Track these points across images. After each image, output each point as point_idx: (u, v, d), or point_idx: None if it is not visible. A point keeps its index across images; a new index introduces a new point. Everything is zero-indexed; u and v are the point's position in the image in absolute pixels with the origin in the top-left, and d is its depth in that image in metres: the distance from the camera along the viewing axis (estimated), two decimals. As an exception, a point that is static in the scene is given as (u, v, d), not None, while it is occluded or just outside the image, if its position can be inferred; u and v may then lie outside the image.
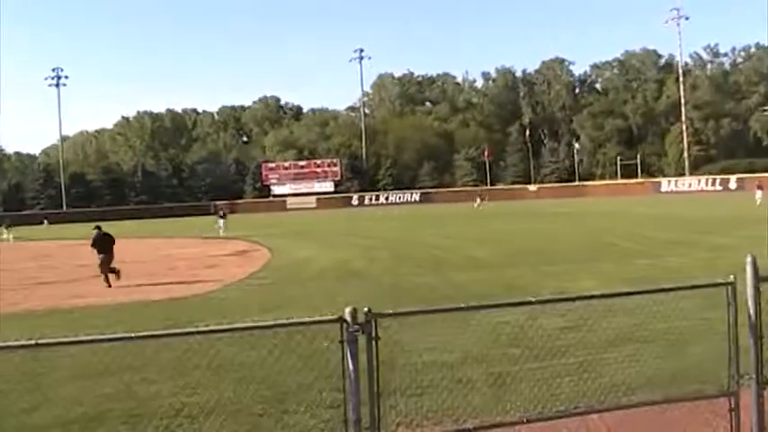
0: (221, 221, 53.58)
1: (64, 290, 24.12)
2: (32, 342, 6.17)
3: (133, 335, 6.35)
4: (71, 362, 10.65)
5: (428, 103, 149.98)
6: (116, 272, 24.86)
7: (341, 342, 5.97)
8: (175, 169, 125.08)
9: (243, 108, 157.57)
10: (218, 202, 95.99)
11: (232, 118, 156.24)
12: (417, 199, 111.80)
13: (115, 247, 25.62)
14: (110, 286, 23.96)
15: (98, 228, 26.30)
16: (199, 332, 6.69)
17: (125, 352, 9.55)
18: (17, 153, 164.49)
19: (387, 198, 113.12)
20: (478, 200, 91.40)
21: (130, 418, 8.66)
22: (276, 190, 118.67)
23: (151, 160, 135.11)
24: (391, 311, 6.36)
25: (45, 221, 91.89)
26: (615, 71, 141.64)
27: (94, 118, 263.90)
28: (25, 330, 15.08)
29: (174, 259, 33.97)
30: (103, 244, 25.30)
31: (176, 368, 10.15)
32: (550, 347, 9.79)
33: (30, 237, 61.60)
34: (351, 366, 5.95)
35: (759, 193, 58.61)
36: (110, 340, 7.06)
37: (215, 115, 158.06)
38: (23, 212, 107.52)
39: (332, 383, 7.58)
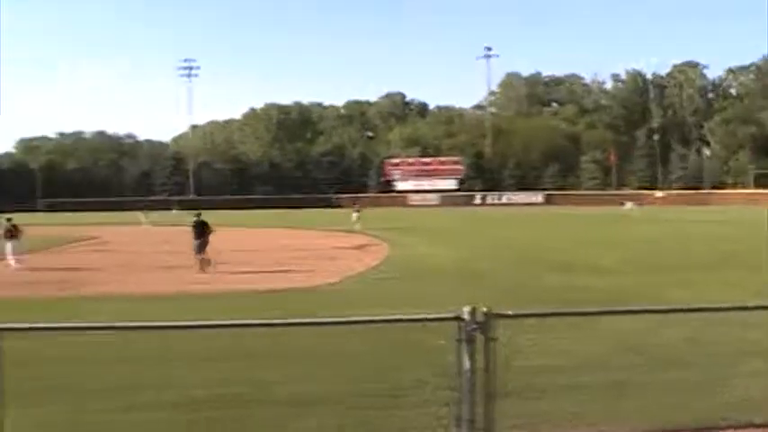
0: (356, 215, 54.56)
1: (187, 274, 25.02)
2: (158, 324, 6.45)
3: (253, 322, 6.54)
4: (193, 345, 11.04)
5: (555, 104, 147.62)
6: (206, 260, 26.28)
7: (458, 340, 5.97)
8: (300, 161, 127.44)
9: (368, 103, 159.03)
10: (354, 196, 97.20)
11: (358, 112, 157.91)
12: (541, 200, 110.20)
13: (239, 236, 26.54)
14: (205, 272, 25.36)
15: (198, 215, 28.30)
16: (317, 323, 6.81)
17: (244, 339, 9.84)
18: (149, 141, 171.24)
19: (510, 198, 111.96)
20: (629, 204, 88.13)
21: (244, 403, 8.89)
22: (399, 186, 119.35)
23: (277, 151, 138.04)
24: (510, 312, 6.31)
25: (173, 208, 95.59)
26: (752, 76, 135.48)
27: (224, 108, 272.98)
28: (151, 313, 15.76)
29: (295, 250, 34.64)
30: (199, 230, 27.06)
31: (293, 357, 10.36)
32: (673, 358, 9.49)
33: (162, 222, 64.15)
34: (467, 365, 5.94)
35: None
36: (231, 326, 7.30)
37: (341, 109, 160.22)
38: (152, 198, 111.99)
39: (447, 382, 7.57)
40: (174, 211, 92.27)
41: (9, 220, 29.88)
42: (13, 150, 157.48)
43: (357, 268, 25.78)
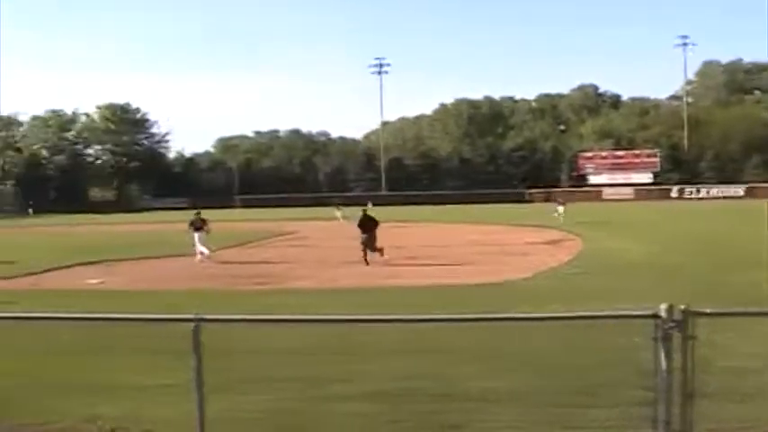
0: (561, 208, 54.26)
1: (379, 269, 25.66)
2: (350, 318, 6.72)
3: (445, 317, 6.68)
4: (384, 339, 11.37)
5: (757, 92, 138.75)
6: (379, 250, 28.44)
7: (654, 339, 5.85)
8: (491, 156, 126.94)
9: (560, 96, 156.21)
10: (551, 190, 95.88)
11: (549, 106, 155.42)
12: (741, 193, 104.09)
13: (429, 231, 26.97)
14: (367, 264, 27.23)
15: (364, 211, 30.90)
16: (510, 318, 6.86)
17: (437, 333, 10.03)
18: (341, 137, 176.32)
19: (708, 192, 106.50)
20: None
21: (437, 398, 9.04)
22: (592, 179, 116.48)
23: (468, 146, 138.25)
24: (710, 310, 6.10)
25: (370, 203, 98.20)
26: None
27: (414, 105, 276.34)
28: (343, 307, 16.31)
29: (486, 245, 34.68)
30: (366, 225, 29.17)
31: (485, 352, 10.45)
32: None
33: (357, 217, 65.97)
34: (663, 365, 5.81)
35: None
36: (422, 320, 7.49)
37: (532, 103, 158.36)
38: (346, 194, 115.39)
39: (642, 381, 7.41)
40: (369, 206, 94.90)
41: (198, 213, 32.44)
42: (212, 150, 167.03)
43: (549, 263, 25.52)
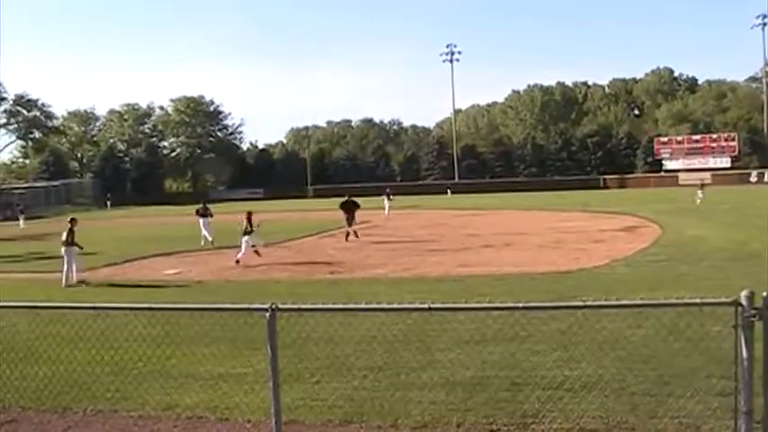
0: (699, 192, 53.91)
1: (453, 258, 25.66)
2: (425, 306, 6.75)
3: (520, 305, 6.66)
4: (459, 327, 11.40)
5: None
6: (354, 233, 34.02)
7: (734, 327, 5.74)
8: (565, 142, 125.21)
9: (635, 80, 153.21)
10: (700, 174, 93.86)
11: (623, 90, 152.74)
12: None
13: (503, 219, 26.91)
14: (347, 240, 33.11)
15: (349, 196, 36.98)
16: (585, 306, 6.79)
17: (511, 321, 10.01)
18: (413, 126, 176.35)
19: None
20: None
21: (512, 386, 9.03)
22: (668, 165, 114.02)
23: (541, 133, 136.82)
24: (793, 298, 5.95)
25: (449, 191, 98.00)
26: None
27: (486, 92, 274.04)
28: (417, 294, 16.37)
29: (562, 232, 34.36)
30: (348, 207, 35.14)
31: (561, 341, 10.41)
32: None
33: (420, 205, 66.00)
34: (744, 353, 5.70)
35: None
36: (497, 309, 7.48)
37: (606, 88, 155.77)
38: (420, 183, 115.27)
39: (722, 370, 7.30)
40: (448, 195, 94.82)
41: (204, 203, 36.16)
42: (285, 140, 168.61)
43: (625, 251, 25.14)
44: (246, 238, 27.07)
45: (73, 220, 23.75)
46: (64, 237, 22.93)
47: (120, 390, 9.43)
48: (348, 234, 34.17)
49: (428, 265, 23.85)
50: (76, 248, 22.68)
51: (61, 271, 22.15)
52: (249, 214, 28.05)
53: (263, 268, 24.48)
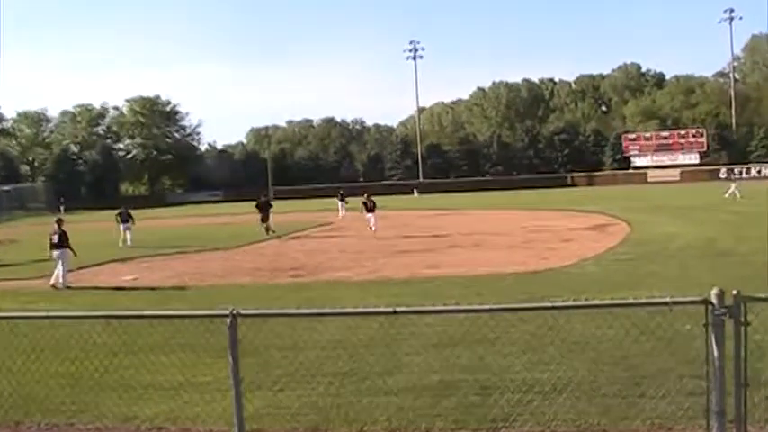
0: (733, 186, 54.44)
1: (420, 259, 25.71)
2: (391, 310, 6.74)
3: (488, 306, 6.68)
4: (426, 330, 11.41)
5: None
6: (267, 230, 38.74)
7: (705, 326, 5.80)
8: (532, 140, 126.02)
9: (602, 76, 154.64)
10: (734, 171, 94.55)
11: (590, 87, 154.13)
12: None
13: (471, 219, 26.98)
14: (267, 234, 37.84)
15: (264, 195, 44.27)
16: (555, 307, 6.84)
17: (479, 323, 10.05)
18: (376, 125, 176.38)
19: (759, 171, 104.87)
20: None
21: (482, 390, 9.05)
22: (637, 162, 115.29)
23: (507, 131, 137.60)
24: (763, 295, 6.04)
25: (415, 191, 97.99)
26: None
27: (450, 89, 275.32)
28: (383, 298, 16.38)
29: (532, 232, 34.58)
30: (263, 207, 40.39)
31: (530, 343, 10.45)
32: None
33: (385, 206, 66.06)
34: (715, 353, 5.76)
35: None
36: (465, 311, 7.50)
37: (572, 84, 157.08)
38: (384, 182, 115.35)
39: (693, 370, 7.37)
40: (415, 195, 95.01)
41: (125, 207, 38.51)
42: (245, 141, 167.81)
43: (594, 249, 25.37)
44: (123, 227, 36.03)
45: (60, 221, 24.21)
46: (56, 239, 23.10)
47: (76, 402, 9.30)
48: (268, 229, 38.92)
49: (394, 267, 23.87)
50: (71, 252, 23.09)
51: (50, 274, 22.68)
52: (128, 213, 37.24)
53: (223, 273, 24.35)
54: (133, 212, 38.78)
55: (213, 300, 17.62)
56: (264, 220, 39.95)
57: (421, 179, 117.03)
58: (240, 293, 19.19)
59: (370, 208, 39.20)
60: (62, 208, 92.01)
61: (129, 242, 36.18)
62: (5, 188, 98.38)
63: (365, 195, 40.80)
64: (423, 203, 70.89)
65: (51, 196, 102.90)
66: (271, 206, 41.41)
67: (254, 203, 41.87)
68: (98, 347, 9.62)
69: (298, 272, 23.75)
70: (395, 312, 6.73)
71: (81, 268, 26.94)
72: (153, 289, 21.04)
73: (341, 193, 55.97)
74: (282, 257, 28.65)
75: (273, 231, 38.83)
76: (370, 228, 38.08)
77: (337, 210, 53.36)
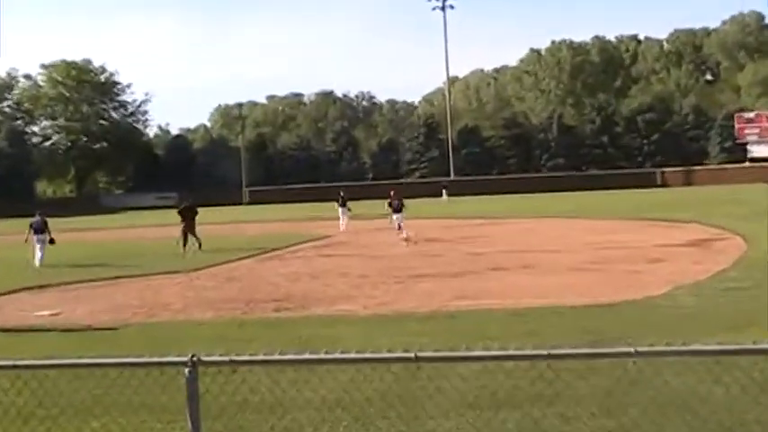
0: None
1: (448, 286, 25.67)
2: (410, 355, 6.71)
3: (545, 352, 6.63)
4: (459, 385, 11.36)
5: None
6: (184, 243, 40.18)
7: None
8: (605, 122, 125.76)
9: (706, 32, 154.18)
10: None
11: (690, 47, 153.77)
12: None
13: (519, 230, 26.91)
14: (183, 251, 39.23)
15: (187, 199, 46.34)
16: (638, 354, 6.79)
17: (533, 375, 9.99)
18: (391, 101, 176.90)
19: None
20: None
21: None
22: (755, 152, 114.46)
23: (571, 109, 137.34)
24: None
25: (444, 192, 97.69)
26: None
27: (492, 52, 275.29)
28: (398, 338, 16.33)
29: (604, 249, 34.48)
30: (185, 214, 41.90)
31: (604, 403, 10.40)
32: None
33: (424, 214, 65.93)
34: None
35: None
36: (510, 358, 7.45)
37: (664, 44, 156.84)
38: (400, 180, 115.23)
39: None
40: (444, 198, 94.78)
41: (41, 213, 39.14)
42: (209, 124, 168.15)
43: (694, 274, 25.26)
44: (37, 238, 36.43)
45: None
46: None
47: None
48: (185, 244, 40.45)
49: (413, 296, 23.84)
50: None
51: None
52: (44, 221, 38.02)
53: (179, 305, 24.36)
54: (51, 221, 38.88)
55: (164, 343, 17.60)
56: (187, 231, 41.21)
57: (452, 176, 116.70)
58: (202, 333, 19.17)
59: (398, 207, 42.11)
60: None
61: (38, 261, 36.66)
62: None
63: (392, 194, 43.30)
64: (454, 209, 70.73)
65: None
66: (196, 213, 43.11)
67: (177, 210, 44.34)
68: (2, 411, 9.60)
69: (281, 303, 23.72)
70: (416, 359, 6.71)
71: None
72: (78, 330, 21.02)
73: (341, 195, 55.86)
74: (260, 284, 28.66)
75: (197, 246, 40.28)
76: (404, 237, 40.23)
77: (338, 218, 53.22)
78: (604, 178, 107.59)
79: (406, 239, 41.07)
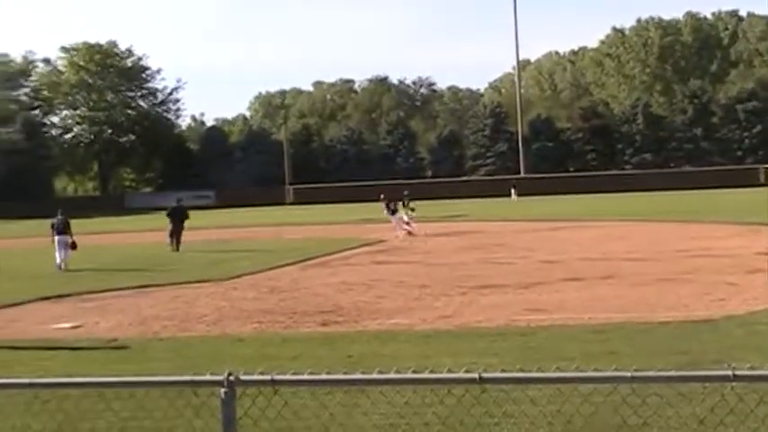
0: None
1: (519, 298, 25.61)
2: (474, 376, 6.72)
3: (629, 374, 6.60)
4: (530, 410, 11.33)
5: None
6: (177, 241, 45.07)
7: None
8: (699, 112, 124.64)
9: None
10: None
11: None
12: None
13: (600, 234, 26.82)
14: (176, 251, 44.14)
15: (178, 199, 51.71)
16: (737, 377, 6.73)
17: (614, 401, 9.95)
18: (452, 89, 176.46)
19: None
20: None
21: None
22: None
23: (659, 97, 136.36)
24: None
25: (513, 191, 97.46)
26: None
27: (569, 33, 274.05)
28: (461, 357, 16.31)
29: (694, 256, 34.22)
30: (175, 216, 45.79)
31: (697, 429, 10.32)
32: None
33: (466, 215, 65.66)
34: None
35: None
36: (589, 380, 7.42)
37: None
38: (463, 179, 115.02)
39: None
40: (512, 198, 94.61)
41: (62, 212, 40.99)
42: (248, 114, 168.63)
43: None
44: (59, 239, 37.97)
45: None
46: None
47: None
48: (178, 245, 45.11)
49: (479, 309, 23.80)
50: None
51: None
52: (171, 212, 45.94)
53: (214, 317, 24.48)
54: (72, 222, 39.41)
55: (197, 360, 17.71)
56: (174, 233, 45.20)
57: (522, 173, 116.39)
58: (240, 350, 19.25)
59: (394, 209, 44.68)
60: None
61: (63, 265, 37.71)
62: None
63: (382, 196, 47.19)
64: (524, 210, 70.56)
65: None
66: (187, 216, 47.28)
67: (166, 212, 48.38)
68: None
69: (329, 317, 23.77)
70: (480, 381, 6.72)
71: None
72: (102, 346, 21.14)
73: (405, 194, 55.87)
74: (305, 294, 28.72)
75: (176, 249, 44.90)
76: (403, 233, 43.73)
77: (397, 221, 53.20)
78: (697, 176, 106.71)
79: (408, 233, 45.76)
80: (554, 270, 32.08)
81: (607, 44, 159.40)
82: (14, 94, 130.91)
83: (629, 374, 6.57)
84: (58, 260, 37.88)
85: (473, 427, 10.36)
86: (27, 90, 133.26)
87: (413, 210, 53.43)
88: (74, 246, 38.46)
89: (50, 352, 20.43)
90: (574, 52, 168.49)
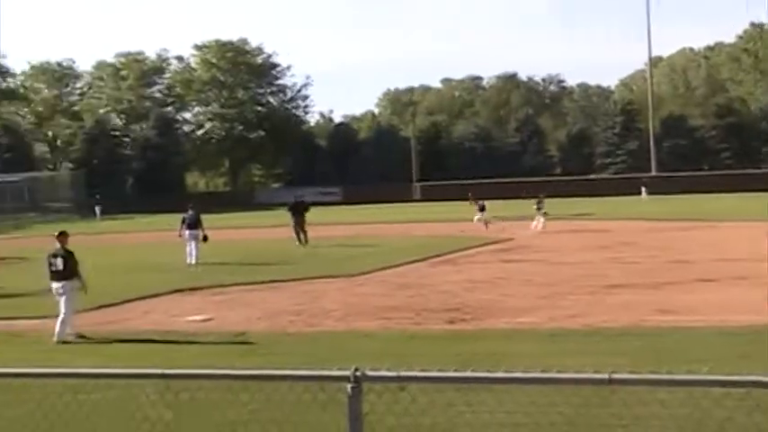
0: None
1: (648, 298, 25.32)
2: (604, 377, 6.65)
3: (763, 379, 6.47)
4: (660, 412, 11.19)
5: None
6: (304, 236, 46.86)
7: None
8: None
9: None
10: None
11: None
12: None
13: (739, 236, 26.37)
14: (300, 244, 46.14)
15: (298, 195, 55.66)
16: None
17: (749, 406, 9.76)
18: (582, 86, 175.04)
19: None
20: None
21: None
22: None
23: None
24: None
25: (643, 190, 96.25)
26: None
27: (703, 28, 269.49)
28: (588, 357, 16.18)
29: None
30: (295, 209, 48.13)
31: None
32: None
33: (594, 213, 65.09)
34: None
35: None
36: (721, 384, 7.28)
37: None
38: (592, 177, 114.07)
39: None
40: (643, 196, 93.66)
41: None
42: (376, 110, 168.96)
43: None
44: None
45: (63, 236, 22.91)
46: (60, 264, 22.21)
47: None
48: (302, 240, 46.81)
49: (607, 309, 23.62)
50: (78, 282, 22.39)
51: (54, 317, 21.81)
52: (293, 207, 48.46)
53: (341, 313, 24.62)
54: (203, 217, 39.99)
55: (325, 355, 17.83)
56: (299, 227, 47.11)
57: (653, 171, 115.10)
58: (367, 345, 19.36)
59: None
60: (98, 209, 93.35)
61: (194, 259, 38.88)
62: (12, 179, 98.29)
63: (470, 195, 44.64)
64: (655, 209, 69.78)
65: (81, 191, 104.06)
66: (307, 209, 49.37)
67: (288, 206, 50.97)
68: (150, 424, 9.80)
69: (456, 314, 23.76)
70: (609, 382, 6.65)
71: (125, 302, 27.71)
72: (232, 340, 21.36)
73: (540, 196, 55.73)
74: (432, 291, 28.74)
75: (305, 243, 46.38)
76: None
77: (532, 218, 53.12)
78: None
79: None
80: (685, 270, 31.66)
81: (744, 39, 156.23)
82: (149, 91, 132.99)
83: (764, 379, 6.44)
84: (187, 254, 38.66)
85: (600, 428, 10.27)
86: (161, 87, 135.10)
87: (546, 213, 53.12)
88: (205, 239, 39.18)
89: (182, 343, 20.78)
90: (709, 48, 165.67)
